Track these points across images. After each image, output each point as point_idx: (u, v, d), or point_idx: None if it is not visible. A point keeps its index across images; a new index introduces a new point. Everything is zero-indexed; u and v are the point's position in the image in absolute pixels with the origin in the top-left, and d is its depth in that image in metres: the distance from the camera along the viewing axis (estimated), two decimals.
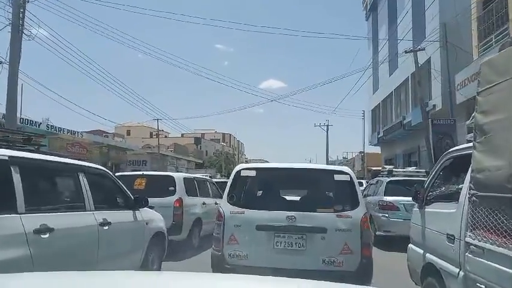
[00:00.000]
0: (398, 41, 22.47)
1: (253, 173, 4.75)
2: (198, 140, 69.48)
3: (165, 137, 65.71)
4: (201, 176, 10.49)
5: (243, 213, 4.39)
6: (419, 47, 17.45)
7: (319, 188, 5.12)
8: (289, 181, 5.27)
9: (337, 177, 4.55)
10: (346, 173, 4.58)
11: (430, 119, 16.80)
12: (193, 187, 8.57)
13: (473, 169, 2.95)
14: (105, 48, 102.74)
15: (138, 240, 4.94)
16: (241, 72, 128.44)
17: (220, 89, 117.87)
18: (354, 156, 50.03)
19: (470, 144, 3.33)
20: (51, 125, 27.03)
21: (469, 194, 2.98)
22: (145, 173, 8.28)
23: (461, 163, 3.45)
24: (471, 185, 2.94)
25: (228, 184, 4.70)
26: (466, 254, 3.01)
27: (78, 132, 29.68)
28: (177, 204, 7.60)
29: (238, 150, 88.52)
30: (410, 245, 4.51)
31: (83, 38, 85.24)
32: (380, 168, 30.02)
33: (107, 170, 4.80)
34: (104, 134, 38.98)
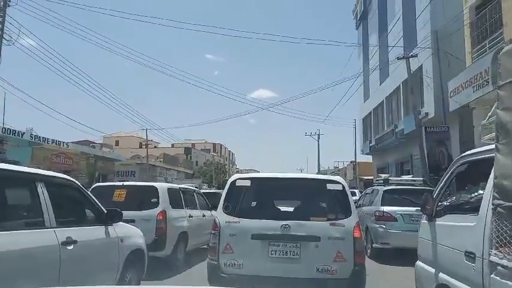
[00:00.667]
0: (390, 48, 22.33)
1: (248, 183, 4.84)
2: (188, 150, 68.67)
3: (155, 147, 64.89)
4: (187, 187, 9.91)
5: (239, 222, 4.49)
6: (411, 53, 17.19)
7: (313, 197, 5.19)
8: (283, 190, 5.27)
9: (329, 186, 4.68)
10: (339, 183, 4.70)
11: (423, 127, 16.50)
12: (178, 198, 8.00)
13: (497, 175, 2.60)
14: (93, 56, 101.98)
15: (110, 260, 4.37)
16: (231, 82, 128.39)
17: (211, 99, 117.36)
18: (345, 165, 49.74)
19: (488, 146, 3.07)
20: (35, 135, 26.17)
21: (492, 204, 2.62)
22: (125, 183, 7.69)
23: (478, 168, 3.14)
24: (495, 194, 2.59)
25: (223, 194, 4.81)
26: (492, 276, 2.62)
27: (63, 142, 28.84)
28: (160, 217, 7.03)
29: (229, 160, 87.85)
30: (418, 263, 4.09)
31: (68, 46, 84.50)
32: (372, 177, 30.07)
33: (73, 180, 4.23)
34: (90, 144, 38.04)
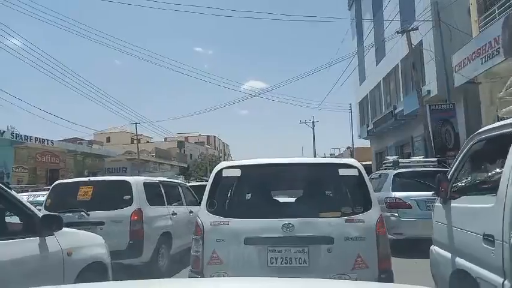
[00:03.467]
0: (386, 25, 21.12)
1: (237, 172, 3.88)
2: (181, 144, 67.30)
3: (147, 142, 63.49)
4: (170, 180, 8.76)
5: (227, 223, 3.56)
6: (412, 26, 16.01)
7: (321, 187, 4.46)
8: (283, 180, 4.50)
9: (342, 171, 3.75)
10: (354, 167, 3.75)
11: (427, 105, 15.41)
12: (158, 194, 6.87)
13: None
14: (79, 52, 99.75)
15: (51, 280, 3.22)
16: (222, 74, 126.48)
17: (203, 92, 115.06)
18: (342, 151, 48.78)
19: (507, 121, 2.90)
20: (17, 134, 24.81)
21: None
22: (92, 178, 6.52)
23: (496, 145, 3.00)
24: None
25: (207, 188, 3.81)
26: None
27: (48, 140, 27.50)
28: (135, 217, 5.89)
29: (224, 152, 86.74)
30: (433, 247, 3.92)
31: (48, 38, 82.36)
32: (370, 162, 29.12)
33: None
34: (78, 141, 36.69)
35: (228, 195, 4.42)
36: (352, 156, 39.98)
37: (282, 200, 4.76)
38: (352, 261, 3.42)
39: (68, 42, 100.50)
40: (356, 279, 3.33)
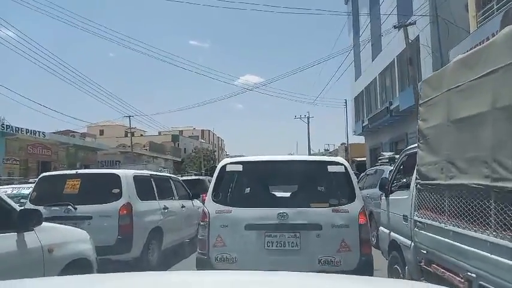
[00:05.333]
0: (382, 20, 20.94)
1: (239, 168, 4.51)
2: (175, 137, 66.86)
3: (141, 135, 62.99)
4: (162, 174, 8.55)
5: (230, 212, 4.11)
6: (409, 21, 15.83)
7: (312, 181, 4.94)
8: (279, 175, 4.92)
9: (331, 168, 4.37)
10: (341, 164, 4.37)
11: None
12: (149, 188, 6.67)
13: (418, 163, 3.80)
14: (73, 44, 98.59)
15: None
16: (217, 68, 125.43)
17: (198, 86, 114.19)
18: (336, 147, 48.71)
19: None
20: (8, 125, 24.41)
21: (415, 182, 3.86)
22: (79, 171, 6.29)
23: (414, 159, 3.98)
24: (416, 176, 3.82)
25: (213, 181, 4.39)
26: (414, 229, 3.87)
27: (39, 132, 27.09)
28: (124, 212, 5.70)
29: (218, 146, 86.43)
30: (380, 228, 5.40)
31: (47, 31, 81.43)
32: (364, 158, 29.02)
33: None
34: (70, 134, 36.25)
35: (231, 187, 4.92)
36: (346, 152, 39.90)
37: (278, 194, 5.09)
38: (337, 245, 3.94)
39: (62, 33, 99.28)
40: (340, 261, 3.91)
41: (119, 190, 5.81)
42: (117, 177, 5.91)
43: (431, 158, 3.49)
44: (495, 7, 11.86)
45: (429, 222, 3.46)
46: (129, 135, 47.98)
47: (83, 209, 5.66)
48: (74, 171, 6.28)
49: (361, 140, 33.39)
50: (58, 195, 5.82)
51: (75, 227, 5.59)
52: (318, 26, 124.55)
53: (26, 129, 25.92)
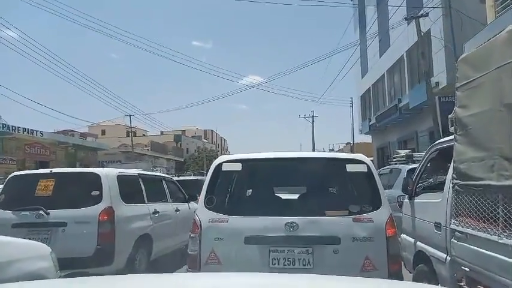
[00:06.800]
0: (391, 14, 20.07)
1: (238, 167, 3.75)
2: (178, 137, 66.22)
3: (143, 135, 62.40)
4: (153, 173, 7.76)
5: (227, 221, 3.44)
6: (421, 12, 14.97)
7: (327, 183, 4.35)
8: (286, 176, 4.16)
9: (350, 167, 3.61)
10: (363, 162, 3.60)
11: (437, 97, 14.42)
12: (136, 189, 5.88)
13: (456, 160, 3.19)
14: (75, 44, 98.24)
15: None
16: (220, 68, 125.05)
17: (202, 85, 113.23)
18: (341, 147, 47.85)
19: (452, 137, 3.45)
20: (4, 124, 23.79)
21: (452, 183, 3.23)
22: (55, 170, 5.49)
23: (446, 155, 3.53)
24: (454, 175, 3.20)
25: (206, 183, 3.68)
26: (452, 240, 3.22)
27: (37, 131, 26.47)
28: (105, 217, 4.91)
29: (221, 146, 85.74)
30: (402, 235, 4.57)
31: (48, 30, 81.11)
32: (372, 158, 28.21)
33: None
34: (70, 133, 35.65)
35: (228, 191, 4.24)
36: (352, 152, 39.10)
37: (284, 196, 4.40)
38: (360, 263, 3.26)
39: (64, 32, 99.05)
40: None
41: (99, 192, 5.03)
42: (97, 177, 5.12)
43: (476, 153, 2.91)
44: None
45: (474, 232, 2.89)
46: (130, 134, 47.40)
47: (56, 214, 4.89)
48: (48, 170, 5.49)
49: (367, 139, 32.58)
50: (29, 198, 5.06)
51: (47, 234, 4.86)
52: (323, 25, 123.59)
53: (24, 128, 25.36)
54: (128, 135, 55.66)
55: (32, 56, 46.03)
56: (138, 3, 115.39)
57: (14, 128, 24.14)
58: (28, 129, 25.57)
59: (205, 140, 65.55)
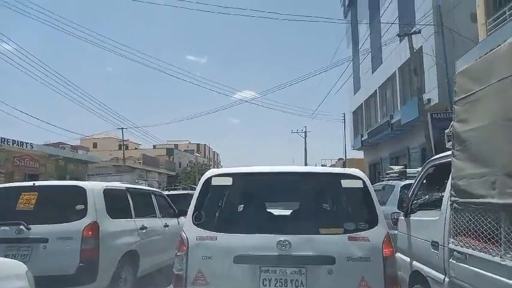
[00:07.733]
0: (383, 31, 20.34)
1: (228, 181, 3.60)
2: (170, 151, 65.86)
3: (135, 148, 61.91)
4: (141, 187, 7.57)
5: (216, 238, 3.29)
6: (414, 29, 15.16)
7: (321, 200, 4.23)
8: (278, 190, 3.98)
9: (345, 183, 3.49)
10: (358, 177, 3.49)
11: (429, 113, 14.48)
12: (123, 204, 5.69)
13: (454, 176, 3.09)
14: (69, 56, 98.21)
15: None
16: (214, 84, 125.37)
17: (195, 100, 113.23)
18: (333, 162, 47.86)
19: (449, 152, 3.37)
20: None
21: (450, 201, 3.13)
22: (38, 183, 5.30)
23: (443, 171, 3.49)
24: (452, 192, 3.09)
25: (194, 198, 3.54)
26: (450, 260, 3.15)
27: (26, 143, 26.06)
28: (89, 233, 4.71)
29: (214, 160, 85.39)
30: (397, 254, 4.30)
31: (42, 42, 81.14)
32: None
33: None
34: (61, 146, 35.24)
35: (217, 206, 4.04)
36: (344, 167, 39.08)
37: (276, 212, 4.28)
38: (355, 285, 3.12)
39: (58, 44, 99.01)
40: None
41: (83, 206, 4.83)
42: (82, 191, 4.93)
43: (476, 169, 2.78)
44: (507, 13, 11.17)
45: (474, 253, 2.77)
46: (122, 148, 46.98)
47: (38, 230, 4.68)
48: (31, 183, 5.29)
49: (359, 155, 32.58)
50: (10, 212, 4.84)
51: (28, 251, 4.65)
52: (317, 41, 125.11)
53: (13, 140, 24.93)
54: (120, 148, 55.21)
55: (25, 67, 45.71)
56: (134, 19, 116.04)
57: (3, 140, 23.73)
58: (18, 141, 25.16)
59: (197, 154, 65.22)
